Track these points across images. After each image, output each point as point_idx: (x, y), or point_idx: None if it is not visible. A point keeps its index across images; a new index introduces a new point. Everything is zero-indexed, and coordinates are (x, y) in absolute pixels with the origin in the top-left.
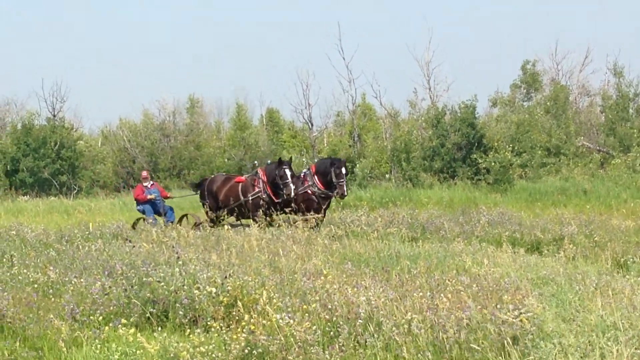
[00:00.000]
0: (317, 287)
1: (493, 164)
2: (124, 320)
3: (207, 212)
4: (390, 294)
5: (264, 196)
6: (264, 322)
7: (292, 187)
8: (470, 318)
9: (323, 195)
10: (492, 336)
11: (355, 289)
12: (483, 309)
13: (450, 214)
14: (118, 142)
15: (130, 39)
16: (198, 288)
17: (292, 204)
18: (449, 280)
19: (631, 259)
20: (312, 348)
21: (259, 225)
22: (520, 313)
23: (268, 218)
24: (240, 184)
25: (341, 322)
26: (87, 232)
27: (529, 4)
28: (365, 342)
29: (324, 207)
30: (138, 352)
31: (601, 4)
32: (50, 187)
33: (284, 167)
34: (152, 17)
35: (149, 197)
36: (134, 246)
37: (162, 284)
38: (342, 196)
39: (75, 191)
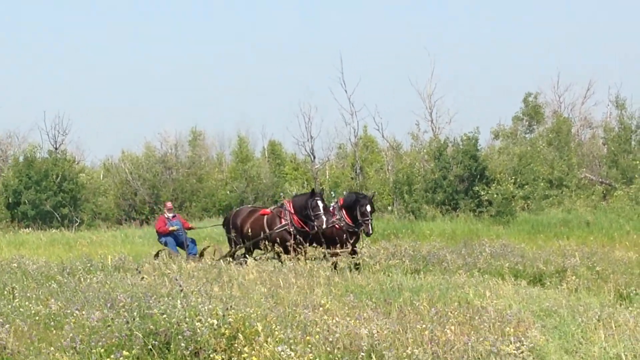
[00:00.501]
0: (319, 319)
1: (495, 196)
2: (125, 352)
3: (231, 246)
4: (393, 326)
5: (291, 229)
6: (266, 354)
7: (324, 219)
8: (473, 350)
9: (351, 230)
10: None
11: (357, 321)
12: (485, 341)
13: (452, 246)
14: (120, 175)
15: (132, 72)
16: (200, 320)
17: (321, 238)
18: (451, 312)
19: (634, 291)
20: None
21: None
22: (523, 345)
23: (294, 252)
24: (266, 217)
25: (343, 355)
26: (88, 265)
27: (530, 37)
28: None
29: (352, 241)
30: None
31: (603, 37)
32: (52, 219)
33: (317, 198)
34: (153, 50)
35: (170, 228)
36: (143, 277)
37: (164, 315)
38: (367, 234)
39: (77, 223)
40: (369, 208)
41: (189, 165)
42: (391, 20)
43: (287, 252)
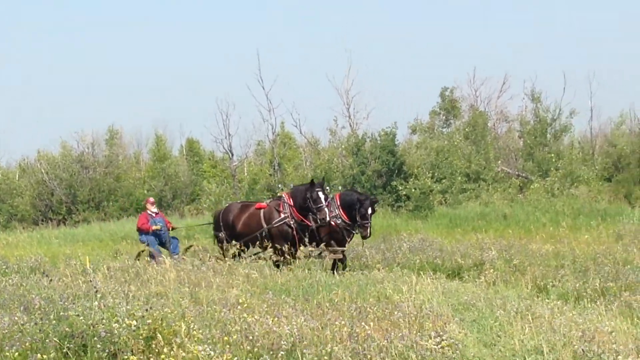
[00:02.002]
0: (237, 317)
1: (413, 190)
2: (39, 356)
3: (221, 246)
4: (312, 323)
5: (291, 222)
6: (184, 354)
7: (327, 211)
8: (392, 346)
9: (347, 229)
10: None
11: (277, 319)
12: (405, 337)
13: (371, 242)
14: (36, 175)
15: (47, 71)
16: (117, 321)
17: (316, 236)
18: (370, 308)
19: (550, 283)
20: None
21: (284, 259)
22: (442, 340)
23: (294, 250)
24: (262, 211)
25: (262, 353)
26: (4, 267)
27: (447, 32)
28: None
29: (348, 240)
30: None
31: (518, 31)
32: None
33: (317, 189)
34: (68, 48)
35: (154, 227)
36: (51, 280)
37: (81, 317)
38: (365, 237)
39: None
40: (370, 211)
41: (106, 164)
42: (308, 18)
43: (288, 247)
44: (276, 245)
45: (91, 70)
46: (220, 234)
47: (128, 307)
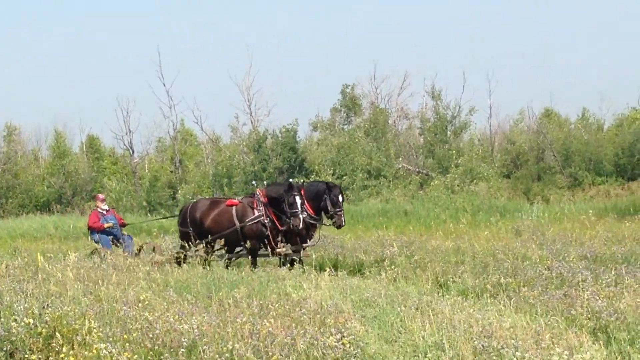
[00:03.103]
0: (138, 315)
1: None
2: None
3: (188, 243)
4: (213, 320)
5: (266, 221)
6: (86, 352)
7: (301, 217)
8: (294, 343)
9: (313, 222)
10: None
11: (178, 316)
12: (306, 333)
13: None
14: None
15: None
16: (15, 320)
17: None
18: (271, 305)
19: (451, 279)
20: None
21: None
22: (343, 336)
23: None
24: (234, 208)
25: (164, 351)
26: None
27: (347, 29)
28: None
29: (312, 233)
30: None
31: (418, 29)
32: None
33: (294, 193)
34: None
35: (105, 225)
36: None
37: None
38: (339, 226)
39: None
40: (341, 198)
41: (4, 161)
42: (209, 13)
43: (261, 246)
44: (249, 243)
45: None
46: (186, 230)
47: (26, 305)
